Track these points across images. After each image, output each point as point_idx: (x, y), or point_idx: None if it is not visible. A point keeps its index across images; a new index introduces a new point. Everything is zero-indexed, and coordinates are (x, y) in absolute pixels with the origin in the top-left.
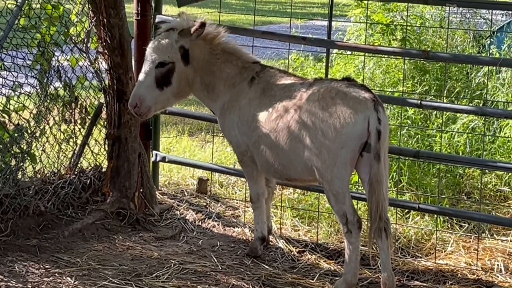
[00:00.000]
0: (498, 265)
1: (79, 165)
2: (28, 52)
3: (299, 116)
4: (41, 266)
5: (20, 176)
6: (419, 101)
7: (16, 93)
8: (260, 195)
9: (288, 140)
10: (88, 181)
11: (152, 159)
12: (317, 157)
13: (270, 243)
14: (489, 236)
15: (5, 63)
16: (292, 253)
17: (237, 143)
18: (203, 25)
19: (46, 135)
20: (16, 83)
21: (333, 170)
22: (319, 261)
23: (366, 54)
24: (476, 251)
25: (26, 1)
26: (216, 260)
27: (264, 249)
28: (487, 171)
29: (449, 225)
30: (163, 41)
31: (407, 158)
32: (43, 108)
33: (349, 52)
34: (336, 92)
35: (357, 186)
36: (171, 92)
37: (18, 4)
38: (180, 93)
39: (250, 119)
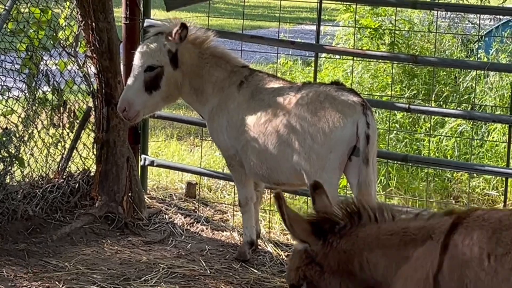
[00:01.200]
0: None
1: (67, 169)
2: (17, 56)
3: (287, 120)
4: (30, 271)
5: (8, 180)
6: (407, 105)
7: (4, 97)
8: (248, 199)
9: (276, 144)
10: (77, 185)
11: (141, 163)
12: (306, 161)
13: (259, 247)
14: None
15: None
16: (281, 257)
17: (225, 147)
18: (183, 26)
19: (35, 139)
20: (4, 87)
21: (322, 174)
22: None
23: (355, 58)
24: None
25: (15, 5)
26: (204, 264)
27: (253, 253)
28: (475, 175)
29: None
30: (151, 45)
31: (395, 162)
32: (31, 112)
33: (337, 56)
34: (325, 96)
35: (345, 190)
36: (160, 96)
37: (6, 8)
38: (169, 97)
39: (238, 123)
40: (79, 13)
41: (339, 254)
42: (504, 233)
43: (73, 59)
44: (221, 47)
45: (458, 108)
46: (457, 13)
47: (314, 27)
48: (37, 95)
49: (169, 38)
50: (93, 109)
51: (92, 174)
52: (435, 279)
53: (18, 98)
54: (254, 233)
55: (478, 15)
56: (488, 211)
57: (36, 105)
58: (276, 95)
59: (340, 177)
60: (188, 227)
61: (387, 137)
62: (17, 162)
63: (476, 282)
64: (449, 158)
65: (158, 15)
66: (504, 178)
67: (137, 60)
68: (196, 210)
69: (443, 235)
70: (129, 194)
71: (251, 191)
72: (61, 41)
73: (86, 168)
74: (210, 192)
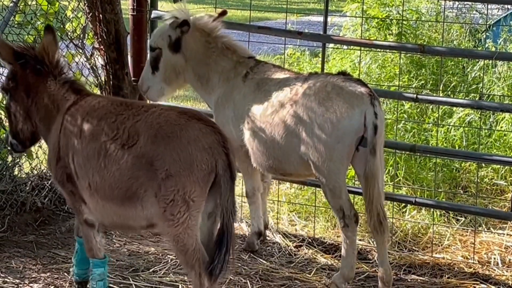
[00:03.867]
0: (494, 258)
1: None
2: None
3: (294, 111)
4: (38, 262)
5: (16, 172)
6: (415, 95)
7: None
8: (256, 189)
9: (284, 135)
10: None
11: None
12: (313, 152)
13: (267, 238)
14: (485, 229)
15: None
16: (289, 247)
17: (231, 138)
18: (184, 22)
19: None
20: None
21: (329, 165)
22: (316, 256)
23: (362, 48)
24: (472, 245)
25: None
26: None
27: (261, 244)
28: (483, 164)
29: (445, 219)
30: (161, 27)
31: (403, 152)
32: None
33: (345, 47)
34: (332, 87)
35: (353, 181)
36: (160, 77)
37: (13, 0)
38: (168, 81)
39: (244, 114)
40: (86, 4)
41: (26, 81)
42: (92, 113)
43: (80, 51)
44: (228, 37)
45: (466, 98)
46: (465, 2)
47: (321, 18)
48: None
49: (174, 28)
50: None
51: None
52: (59, 135)
53: None
54: (262, 224)
55: (486, 5)
56: (96, 97)
57: None
58: (283, 85)
59: (347, 167)
60: None
61: (395, 127)
62: (25, 154)
63: (74, 146)
64: (457, 148)
65: (165, 7)
66: None
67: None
68: None
69: (65, 109)
70: None
71: (258, 182)
72: (69, 33)
73: None
74: None
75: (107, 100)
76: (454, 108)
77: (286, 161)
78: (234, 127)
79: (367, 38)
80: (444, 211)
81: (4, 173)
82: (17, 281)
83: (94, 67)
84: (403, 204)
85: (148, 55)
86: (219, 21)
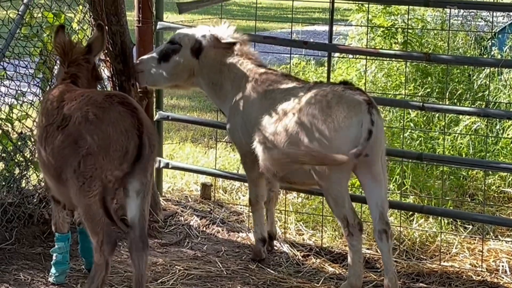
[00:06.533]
0: (503, 266)
1: None
2: (30, 61)
3: (297, 119)
4: (46, 274)
5: (24, 185)
6: (421, 104)
7: (19, 101)
8: (259, 198)
9: (286, 143)
10: None
11: (156, 165)
12: (314, 162)
13: (275, 247)
14: (493, 237)
15: (8, 72)
16: (297, 257)
17: (240, 145)
18: (232, 44)
19: None
20: (19, 92)
21: (330, 174)
22: (324, 265)
23: (368, 57)
24: (480, 253)
25: (28, 10)
26: (221, 266)
27: (269, 253)
28: (490, 172)
29: (453, 227)
30: (192, 29)
31: (410, 160)
32: None
33: (351, 56)
34: (332, 96)
35: (360, 189)
36: (165, 69)
37: (19, 13)
38: (172, 76)
39: (252, 122)
40: (92, 16)
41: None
42: (50, 101)
43: None
44: (247, 47)
45: (472, 106)
46: (470, 10)
47: (326, 28)
48: None
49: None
50: None
51: None
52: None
53: (32, 103)
54: (265, 231)
55: (491, 12)
56: (59, 87)
57: None
58: (288, 94)
59: (349, 176)
60: (204, 229)
61: (401, 135)
62: (32, 166)
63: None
64: (464, 156)
65: (170, 18)
66: None
67: None
68: (211, 211)
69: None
70: None
71: (263, 190)
72: None
73: None
74: (226, 193)
75: (62, 88)
76: (461, 116)
77: (290, 170)
78: (243, 134)
79: (373, 47)
80: (451, 219)
81: (11, 185)
82: None
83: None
84: (411, 213)
85: (162, 45)
86: (246, 35)
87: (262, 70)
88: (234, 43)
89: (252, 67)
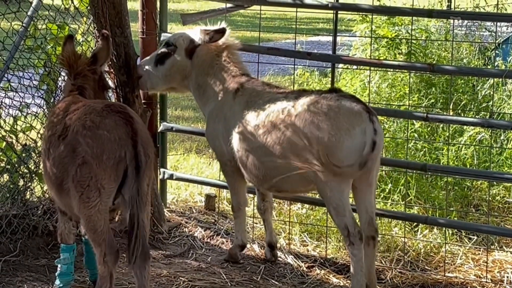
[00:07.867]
0: (507, 277)
1: None
2: (35, 73)
3: (291, 132)
4: (51, 286)
5: (28, 196)
6: (425, 114)
7: (23, 113)
8: (241, 204)
9: (280, 156)
10: None
11: (160, 176)
12: (316, 172)
13: (279, 258)
14: (498, 248)
15: (12, 84)
16: (301, 268)
17: (221, 153)
18: (221, 30)
19: None
20: (23, 103)
21: (332, 184)
22: (328, 276)
23: (372, 68)
24: (485, 264)
25: (32, 22)
26: (225, 277)
27: (273, 264)
28: (495, 183)
29: (458, 238)
30: (186, 31)
31: (414, 171)
32: None
33: (354, 67)
34: (328, 107)
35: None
36: (161, 72)
37: (24, 25)
38: (168, 79)
39: (235, 131)
40: (96, 28)
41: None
42: (55, 113)
43: None
44: (236, 54)
45: (476, 117)
46: (474, 21)
47: (330, 38)
48: None
49: (205, 33)
50: None
51: None
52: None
53: (37, 114)
54: (245, 237)
55: (495, 23)
56: (65, 100)
57: None
58: (272, 104)
59: (350, 185)
60: (208, 240)
61: (405, 146)
62: (36, 178)
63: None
64: (468, 166)
65: (174, 29)
66: None
67: None
68: (216, 222)
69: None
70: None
71: (244, 197)
72: None
73: None
74: (230, 204)
75: (68, 100)
76: (465, 127)
77: (284, 180)
78: (225, 142)
79: (377, 57)
80: (456, 230)
81: (16, 197)
82: None
83: None
84: (415, 224)
85: (158, 49)
86: (239, 41)
87: (245, 79)
88: (225, 47)
89: (236, 75)
